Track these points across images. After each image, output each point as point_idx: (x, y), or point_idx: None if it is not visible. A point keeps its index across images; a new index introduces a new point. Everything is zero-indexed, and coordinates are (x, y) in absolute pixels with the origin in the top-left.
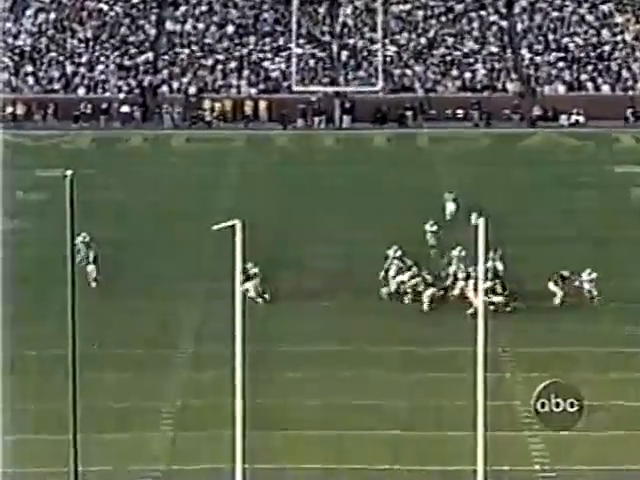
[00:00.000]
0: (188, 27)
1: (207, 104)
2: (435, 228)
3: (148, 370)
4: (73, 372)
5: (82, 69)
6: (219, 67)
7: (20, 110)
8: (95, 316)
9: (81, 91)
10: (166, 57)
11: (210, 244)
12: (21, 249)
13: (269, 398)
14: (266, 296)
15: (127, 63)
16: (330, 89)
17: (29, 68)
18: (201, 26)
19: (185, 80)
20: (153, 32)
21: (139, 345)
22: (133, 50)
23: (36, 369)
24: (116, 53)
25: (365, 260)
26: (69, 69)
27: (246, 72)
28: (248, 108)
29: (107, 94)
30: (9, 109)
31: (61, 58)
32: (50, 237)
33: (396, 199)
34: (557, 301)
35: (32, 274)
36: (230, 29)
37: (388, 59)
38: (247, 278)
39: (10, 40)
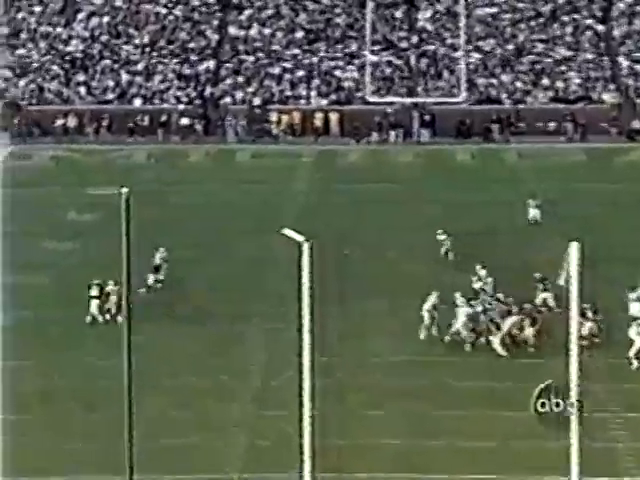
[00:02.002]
0: (253, 32)
1: (274, 116)
2: (444, 237)
3: (211, 404)
4: (129, 406)
5: (138, 78)
6: (287, 76)
7: (71, 123)
8: (155, 342)
9: (137, 102)
10: (229, 65)
11: (276, 264)
12: (71, 272)
13: (341, 437)
14: (119, 318)
15: (187, 71)
16: (408, 100)
17: (81, 77)
18: (267, 31)
19: (250, 90)
20: (215, 38)
21: (201, 375)
22: (194, 57)
23: (87, 401)
24: (175, 60)
25: (440, 285)
26: (124, 78)
27: (316, 81)
28: (318, 121)
29: (165, 105)
30: (60, 122)
31: (116, 66)
32: (103, 260)
33: (482, 220)
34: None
35: (82, 298)
36: (299, 35)
37: (472, 67)
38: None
39: (60, 47)
